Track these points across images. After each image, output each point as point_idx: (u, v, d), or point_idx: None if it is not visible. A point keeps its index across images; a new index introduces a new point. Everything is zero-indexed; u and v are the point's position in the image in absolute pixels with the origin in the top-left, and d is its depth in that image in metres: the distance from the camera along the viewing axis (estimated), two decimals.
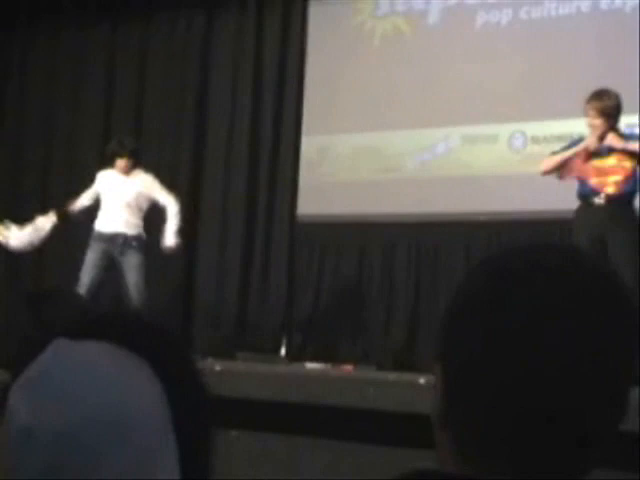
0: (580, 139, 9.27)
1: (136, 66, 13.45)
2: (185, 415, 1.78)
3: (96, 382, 1.71)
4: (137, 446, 1.70)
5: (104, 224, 11.06)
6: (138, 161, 11.23)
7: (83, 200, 11.25)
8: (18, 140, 13.96)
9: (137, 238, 11.03)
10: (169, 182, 12.73)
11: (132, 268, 10.94)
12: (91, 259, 10.96)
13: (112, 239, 10.99)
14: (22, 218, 11.11)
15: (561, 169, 9.24)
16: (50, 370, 1.73)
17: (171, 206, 10.98)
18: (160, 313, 12.43)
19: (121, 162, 11.04)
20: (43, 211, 11.36)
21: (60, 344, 1.74)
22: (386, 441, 7.48)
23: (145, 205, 11.14)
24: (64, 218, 11.18)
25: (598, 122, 9.04)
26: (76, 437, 1.68)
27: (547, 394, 1.53)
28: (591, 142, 9.04)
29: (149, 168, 12.59)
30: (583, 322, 1.55)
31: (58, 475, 1.71)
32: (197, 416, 1.87)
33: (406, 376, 9.49)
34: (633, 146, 8.95)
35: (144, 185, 11.13)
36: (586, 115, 9.14)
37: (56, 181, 12.94)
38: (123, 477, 1.71)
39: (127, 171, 11.09)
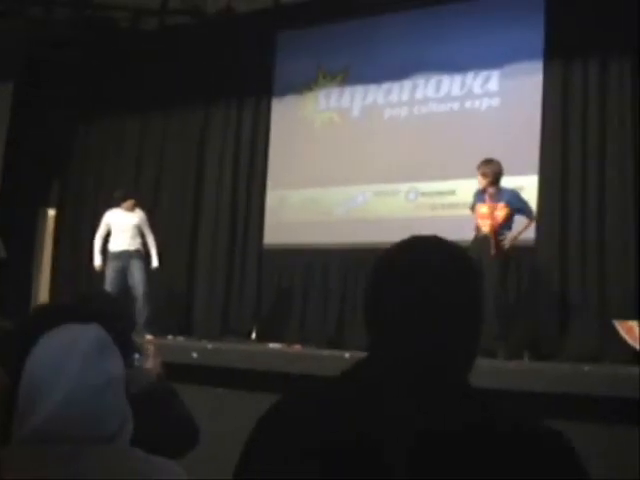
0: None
1: (158, 145, 13.43)
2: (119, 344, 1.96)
3: (83, 352, 1.84)
4: (105, 388, 1.83)
5: (114, 246, 11.23)
6: (137, 203, 11.47)
7: (101, 231, 11.41)
8: (78, 191, 13.94)
9: (137, 251, 11.20)
10: (178, 219, 12.78)
11: (136, 272, 11.09)
12: (110, 273, 11.11)
13: (120, 255, 11.05)
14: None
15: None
16: (53, 344, 1.85)
17: (151, 239, 11.41)
18: (167, 310, 12.41)
19: (129, 203, 11.28)
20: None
21: (58, 328, 1.86)
22: None
23: (141, 230, 11.36)
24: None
25: (484, 181, 9.05)
26: (72, 386, 1.78)
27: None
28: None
29: (163, 210, 12.63)
30: (443, 283, 1.64)
31: (61, 415, 1.75)
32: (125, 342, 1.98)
33: (336, 352, 9.46)
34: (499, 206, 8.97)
35: (140, 218, 11.35)
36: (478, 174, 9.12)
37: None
38: (100, 409, 1.82)
39: (131, 209, 11.25)
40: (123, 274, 11.07)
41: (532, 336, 9.71)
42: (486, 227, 9.00)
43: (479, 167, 9.09)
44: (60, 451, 1.78)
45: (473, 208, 9.29)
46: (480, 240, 8.99)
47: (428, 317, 1.59)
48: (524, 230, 9.17)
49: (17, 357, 1.86)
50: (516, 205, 9.10)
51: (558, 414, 6.52)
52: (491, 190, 9.03)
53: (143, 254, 11.26)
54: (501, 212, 8.98)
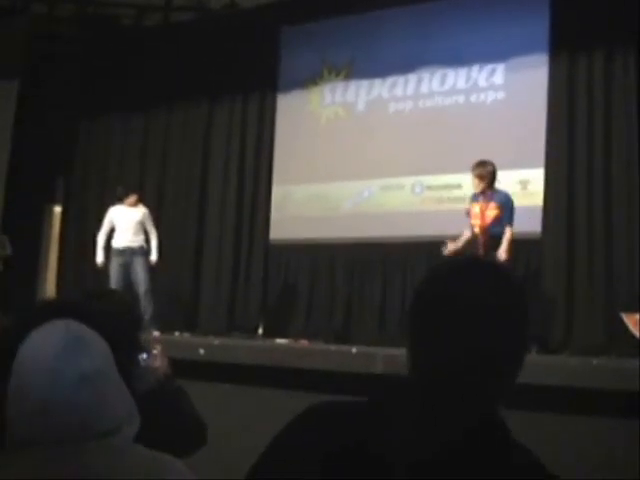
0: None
1: (162, 142, 13.43)
2: (118, 354, 1.93)
3: (68, 346, 1.82)
4: (100, 382, 1.82)
5: (118, 242, 11.26)
6: (140, 198, 11.48)
7: (105, 228, 11.41)
8: (83, 188, 13.95)
9: (141, 248, 11.20)
10: (183, 216, 12.78)
11: (139, 268, 11.10)
12: (113, 270, 11.17)
13: (123, 252, 11.11)
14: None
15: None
16: (38, 342, 1.83)
17: (153, 235, 11.35)
18: (174, 306, 12.42)
19: (131, 199, 11.30)
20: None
21: (44, 326, 1.84)
22: (330, 391, 7.46)
23: (144, 226, 11.34)
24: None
25: (481, 183, 8.99)
26: (61, 382, 1.77)
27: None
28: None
29: (168, 206, 12.62)
30: (488, 305, 1.61)
31: (53, 412, 1.74)
32: (126, 353, 1.93)
33: (343, 347, 9.46)
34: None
35: (143, 214, 11.35)
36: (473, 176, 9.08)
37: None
38: (95, 403, 1.80)
39: (134, 204, 11.30)
40: (126, 271, 11.08)
41: (539, 330, 9.70)
42: (476, 227, 8.98)
43: (474, 169, 9.01)
44: (57, 451, 1.77)
45: (469, 210, 9.24)
46: (471, 240, 8.99)
47: (468, 346, 1.59)
48: (510, 242, 9.01)
49: (5, 355, 1.85)
50: (507, 207, 9.01)
51: (566, 408, 6.54)
52: (479, 191, 9.00)
53: (146, 250, 11.25)
54: (492, 212, 8.93)
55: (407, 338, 1.68)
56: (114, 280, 10.99)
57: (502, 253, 8.74)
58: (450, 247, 9.10)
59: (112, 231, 11.35)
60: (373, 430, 1.57)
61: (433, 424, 1.56)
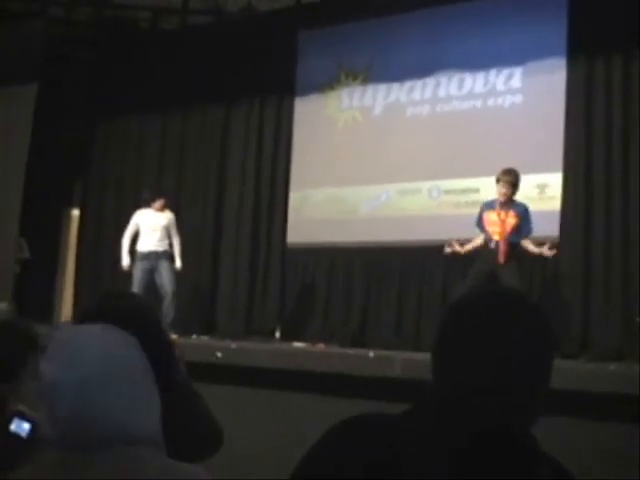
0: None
1: (179, 145, 13.46)
2: (157, 366, 1.89)
3: (100, 349, 1.79)
4: (130, 387, 1.79)
5: (143, 246, 11.26)
6: (166, 203, 11.46)
7: (130, 231, 11.41)
8: (101, 191, 14.00)
9: (165, 252, 11.21)
10: (201, 219, 12.82)
11: (164, 272, 11.13)
12: (137, 273, 11.16)
13: (148, 255, 11.13)
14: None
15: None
16: (66, 344, 1.80)
17: (177, 240, 11.39)
18: (192, 309, 12.45)
19: (158, 203, 11.28)
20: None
21: (68, 327, 1.84)
22: (347, 394, 7.47)
23: (169, 232, 11.34)
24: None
25: (510, 190, 8.97)
26: (88, 385, 1.73)
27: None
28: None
29: (186, 209, 12.66)
30: (513, 334, 1.69)
31: (79, 415, 1.73)
32: (165, 365, 1.97)
33: (360, 351, 9.47)
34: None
35: (169, 220, 11.36)
36: (497, 184, 9.05)
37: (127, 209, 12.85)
38: (123, 409, 1.77)
39: (161, 209, 11.31)
40: (151, 274, 11.08)
41: (556, 335, 9.67)
42: (496, 235, 8.95)
43: (504, 176, 8.98)
44: (75, 456, 1.77)
45: (480, 220, 9.25)
46: (490, 247, 8.96)
47: (493, 373, 1.66)
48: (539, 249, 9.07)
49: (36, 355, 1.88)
50: (526, 218, 9.01)
51: (583, 413, 6.52)
52: (503, 199, 9.00)
53: (170, 255, 11.27)
54: (512, 220, 8.91)
55: (431, 361, 1.74)
56: (137, 283, 10.98)
57: (545, 250, 8.92)
58: (456, 248, 9.13)
59: (136, 235, 11.39)
60: (405, 445, 1.61)
61: (459, 440, 1.59)
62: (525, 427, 1.66)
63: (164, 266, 11.12)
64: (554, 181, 10.21)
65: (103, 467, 1.75)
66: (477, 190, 10.65)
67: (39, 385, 1.80)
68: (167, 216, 11.36)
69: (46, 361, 1.80)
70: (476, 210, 9.57)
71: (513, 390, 1.65)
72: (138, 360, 1.85)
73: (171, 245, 11.30)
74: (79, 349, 1.79)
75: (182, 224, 12.14)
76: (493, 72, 10.98)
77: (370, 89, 11.94)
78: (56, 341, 1.82)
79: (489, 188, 9.61)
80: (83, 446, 1.75)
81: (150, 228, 11.23)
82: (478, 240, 9.16)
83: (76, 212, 14.55)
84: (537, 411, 1.70)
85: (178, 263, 11.27)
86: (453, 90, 11.29)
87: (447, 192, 11.09)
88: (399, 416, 1.69)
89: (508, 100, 10.88)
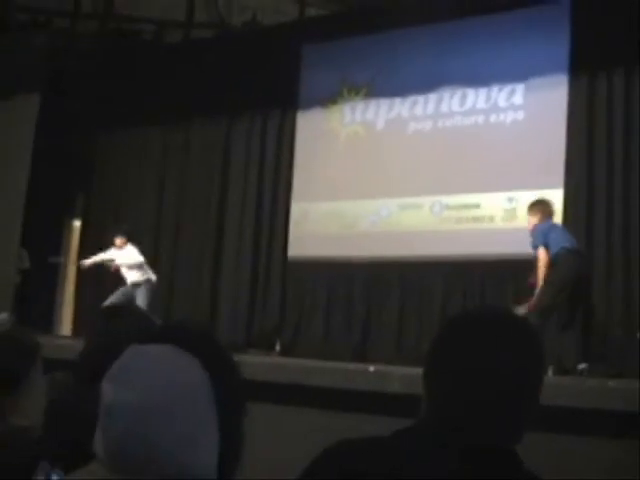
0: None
1: (181, 158, 13.49)
2: (225, 396, 1.74)
3: (159, 373, 1.66)
4: (185, 419, 1.64)
5: (128, 277, 11.78)
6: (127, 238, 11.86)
7: (106, 254, 12.06)
8: (102, 203, 14.01)
9: (148, 281, 11.73)
10: (201, 233, 12.83)
11: (140, 298, 11.49)
12: (119, 292, 11.73)
13: (132, 285, 11.70)
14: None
15: None
16: (128, 365, 1.67)
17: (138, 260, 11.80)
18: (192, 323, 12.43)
19: (119, 241, 11.79)
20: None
21: (134, 347, 1.70)
22: (346, 409, 7.46)
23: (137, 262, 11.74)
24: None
25: (534, 219, 8.91)
26: (144, 410, 1.61)
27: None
28: None
29: (187, 223, 12.67)
30: (503, 350, 1.70)
31: (130, 440, 1.62)
32: (234, 396, 1.81)
33: (360, 365, 9.46)
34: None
35: (131, 253, 11.77)
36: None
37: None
38: (176, 441, 1.63)
39: (121, 245, 11.82)
40: (130, 298, 11.49)
41: (556, 351, 9.67)
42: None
43: (540, 205, 8.97)
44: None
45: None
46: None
47: (483, 393, 1.69)
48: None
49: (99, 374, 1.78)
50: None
51: (583, 430, 6.51)
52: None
53: (152, 282, 11.73)
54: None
55: (423, 381, 1.75)
56: (114, 299, 11.49)
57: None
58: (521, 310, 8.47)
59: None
60: (395, 466, 1.63)
61: (447, 460, 1.62)
62: (510, 443, 1.68)
63: (140, 292, 11.58)
64: (555, 197, 10.21)
65: None
66: (478, 206, 10.66)
67: (100, 407, 1.71)
68: (130, 251, 11.74)
69: (106, 380, 1.72)
70: (477, 226, 9.55)
71: (499, 407, 1.67)
72: (201, 386, 1.74)
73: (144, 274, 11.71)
74: (140, 371, 1.68)
75: (183, 237, 12.16)
76: (495, 88, 11.00)
77: (373, 104, 11.96)
78: (120, 360, 1.73)
79: (490, 204, 9.64)
80: (130, 470, 1.65)
81: (124, 265, 11.73)
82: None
83: (77, 223, 14.57)
84: (523, 428, 1.71)
85: (153, 276, 11.77)
86: (455, 106, 11.31)
87: (449, 207, 11.08)
88: (390, 437, 1.71)
89: (510, 116, 10.91)
